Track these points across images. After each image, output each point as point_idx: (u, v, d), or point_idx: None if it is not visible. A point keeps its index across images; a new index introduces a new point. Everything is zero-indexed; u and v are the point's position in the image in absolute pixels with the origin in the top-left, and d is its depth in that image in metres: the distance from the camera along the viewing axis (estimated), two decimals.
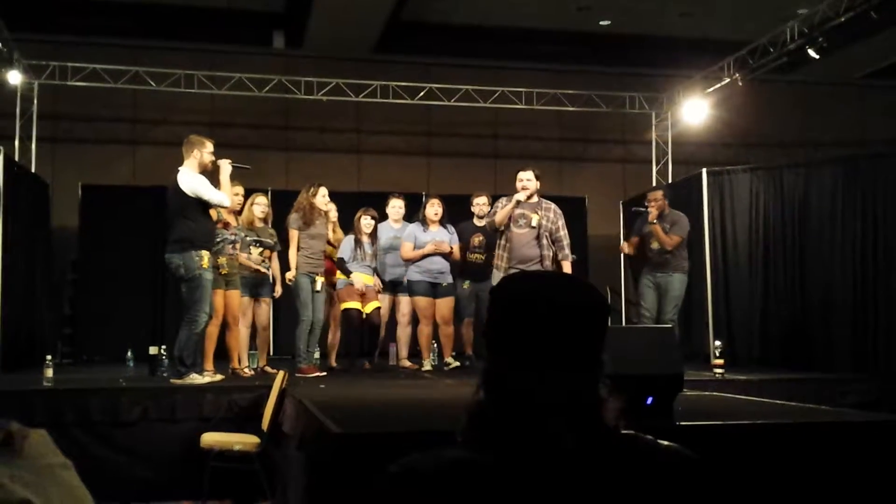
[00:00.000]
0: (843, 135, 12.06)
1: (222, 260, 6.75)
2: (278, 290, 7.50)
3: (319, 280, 7.24)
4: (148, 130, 11.05)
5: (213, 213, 6.50)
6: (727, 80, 10.11)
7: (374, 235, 7.61)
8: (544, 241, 6.74)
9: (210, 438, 5.63)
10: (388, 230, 7.85)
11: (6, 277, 7.96)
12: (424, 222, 7.74)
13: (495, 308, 1.38)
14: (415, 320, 7.91)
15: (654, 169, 11.68)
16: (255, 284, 7.29)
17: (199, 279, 6.18)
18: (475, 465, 1.27)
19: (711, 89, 10.50)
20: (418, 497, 1.26)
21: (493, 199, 8.18)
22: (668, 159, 11.62)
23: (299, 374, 6.76)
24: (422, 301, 7.61)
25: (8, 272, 8.02)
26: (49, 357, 6.56)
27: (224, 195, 6.34)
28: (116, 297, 9.92)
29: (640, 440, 1.35)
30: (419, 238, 7.65)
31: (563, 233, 6.94)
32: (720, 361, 7.16)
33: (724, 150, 11.90)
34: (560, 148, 12.19)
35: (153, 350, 7.25)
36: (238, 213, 7.23)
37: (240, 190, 7.19)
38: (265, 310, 7.47)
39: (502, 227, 6.81)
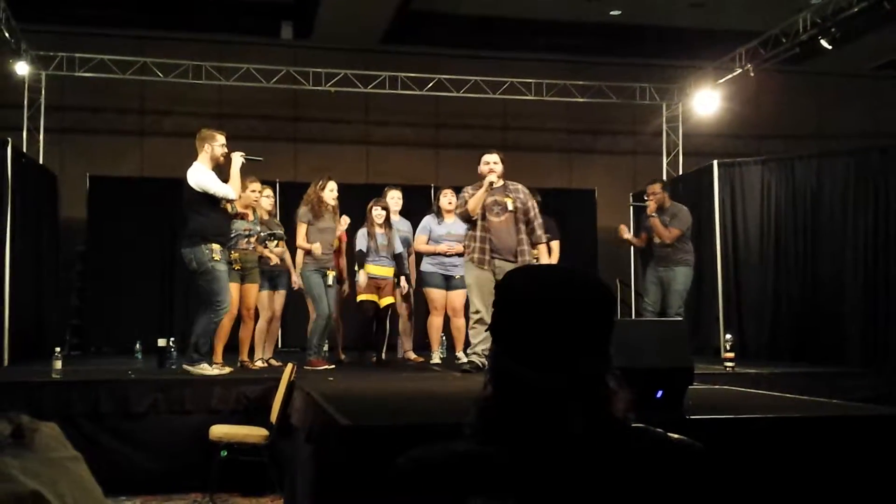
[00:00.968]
0: (855, 126, 11.98)
1: (235, 255, 6.74)
2: (295, 282, 7.47)
3: (331, 274, 7.22)
4: (156, 122, 11.05)
5: (228, 206, 6.51)
6: (739, 70, 10.04)
7: (387, 225, 7.58)
8: (521, 226, 6.37)
9: (219, 431, 5.63)
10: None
11: (14, 269, 7.97)
12: (439, 214, 7.71)
13: (502, 302, 1.38)
14: (422, 313, 7.89)
15: (665, 160, 11.62)
16: (273, 276, 7.30)
17: (213, 271, 6.22)
18: (484, 458, 1.28)
19: (723, 80, 10.43)
20: (426, 489, 1.27)
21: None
22: (678, 151, 11.56)
23: (308, 367, 6.75)
24: (434, 292, 7.59)
25: (16, 264, 8.02)
26: (58, 349, 6.58)
27: (229, 188, 6.35)
28: (125, 289, 9.94)
29: (649, 433, 1.35)
30: (434, 230, 7.63)
31: (535, 213, 6.47)
32: (731, 355, 7.13)
33: (735, 142, 11.84)
34: (570, 139, 12.14)
35: (162, 342, 7.25)
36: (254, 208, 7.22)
37: (257, 186, 7.22)
38: (279, 302, 7.46)
39: (475, 216, 6.32)
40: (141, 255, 10.10)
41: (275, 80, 10.39)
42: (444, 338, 7.98)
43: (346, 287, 7.85)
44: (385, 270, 7.51)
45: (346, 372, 6.75)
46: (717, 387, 5.41)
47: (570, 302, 1.32)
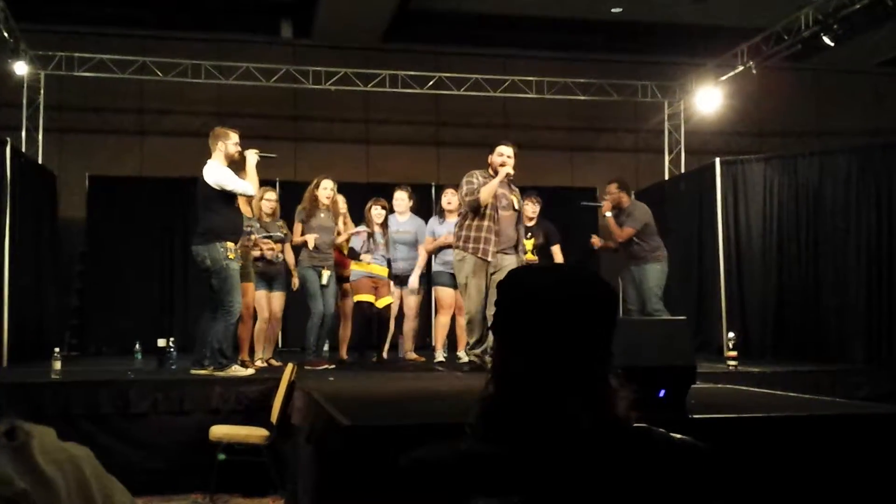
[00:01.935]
0: (857, 123, 11.94)
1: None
2: (295, 283, 7.47)
3: (326, 273, 7.19)
4: (155, 121, 11.03)
5: (243, 204, 6.54)
6: (741, 67, 10.01)
7: (385, 226, 7.57)
8: (520, 226, 6.45)
9: (219, 431, 5.62)
10: (393, 223, 7.79)
11: (14, 269, 7.95)
12: (442, 214, 7.72)
13: (504, 301, 1.39)
14: (426, 313, 7.87)
15: (667, 158, 11.59)
16: (270, 277, 7.28)
17: (227, 270, 6.20)
18: (487, 457, 1.28)
19: (725, 77, 10.40)
20: (429, 489, 1.27)
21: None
22: (680, 148, 11.53)
23: (308, 367, 6.73)
24: (443, 291, 7.65)
25: (15, 264, 8.01)
26: (57, 349, 6.56)
27: (248, 185, 6.36)
28: (124, 289, 9.93)
29: (652, 433, 1.36)
30: (437, 231, 7.65)
31: (523, 217, 6.69)
32: (733, 353, 7.11)
33: (737, 139, 11.81)
34: (571, 137, 12.11)
35: (161, 342, 7.23)
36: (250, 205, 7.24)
37: (273, 196, 7.36)
38: (278, 302, 7.45)
39: (484, 207, 6.21)
40: (140, 255, 10.09)
41: (274, 78, 10.37)
42: (445, 341, 7.97)
43: (347, 285, 7.78)
44: (381, 270, 7.49)
45: (347, 371, 6.73)
46: (719, 386, 5.39)
47: (573, 300, 1.33)
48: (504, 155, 6.33)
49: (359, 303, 7.40)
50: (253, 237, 7.00)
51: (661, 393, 3.50)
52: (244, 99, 10.75)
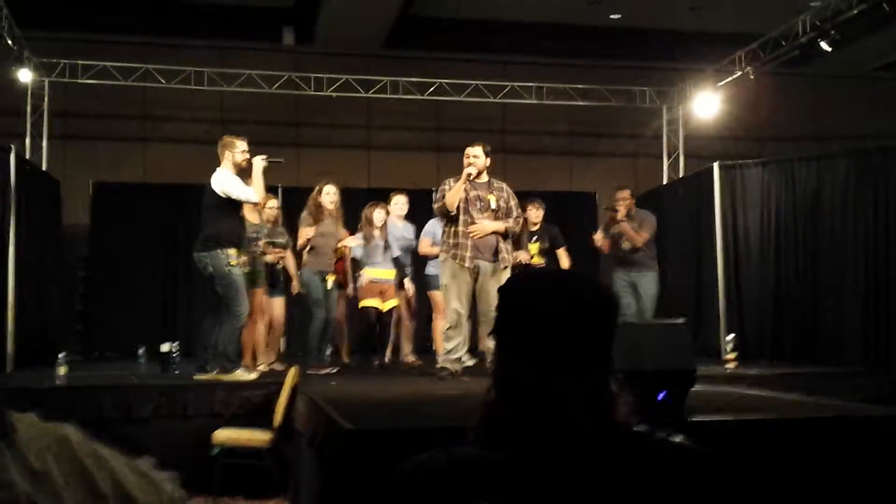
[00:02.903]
0: (854, 128, 11.98)
1: (244, 258, 6.78)
2: (295, 287, 7.52)
3: (330, 278, 7.24)
4: (158, 128, 11.08)
5: (248, 212, 6.60)
6: (738, 73, 10.06)
7: (384, 228, 7.58)
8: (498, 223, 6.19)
9: (222, 435, 5.65)
10: (392, 228, 7.81)
11: (18, 275, 8.00)
12: None
13: (504, 307, 1.39)
14: (423, 317, 7.88)
15: (665, 163, 11.64)
16: (271, 283, 7.32)
17: (230, 276, 6.25)
18: (488, 463, 1.28)
19: (723, 83, 10.45)
20: (430, 494, 1.26)
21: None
22: (679, 153, 11.57)
23: (311, 371, 6.76)
24: (439, 295, 7.58)
25: (20, 270, 8.05)
26: (61, 354, 6.60)
27: (251, 191, 6.40)
28: (128, 295, 9.98)
29: (652, 436, 1.36)
30: (436, 233, 7.63)
31: (517, 216, 6.33)
32: (732, 356, 7.14)
33: (735, 144, 11.85)
34: (570, 143, 12.16)
35: (165, 347, 7.27)
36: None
37: (274, 203, 7.44)
38: (278, 307, 7.49)
39: (453, 211, 6.09)
40: (144, 261, 10.14)
41: (276, 85, 10.42)
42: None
43: (349, 290, 7.79)
44: (386, 273, 7.50)
45: (349, 376, 6.77)
46: (719, 389, 5.42)
47: (574, 306, 1.34)
48: (470, 156, 6.15)
49: (365, 308, 7.42)
50: (261, 242, 7.06)
51: (661, 395, 3.55)
52: (246, 106, 10.80)
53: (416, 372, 7.31)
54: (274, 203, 7.52)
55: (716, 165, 9.44)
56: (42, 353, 8.35)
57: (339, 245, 7.45)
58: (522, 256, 7.42)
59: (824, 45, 8.89)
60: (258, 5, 11.13)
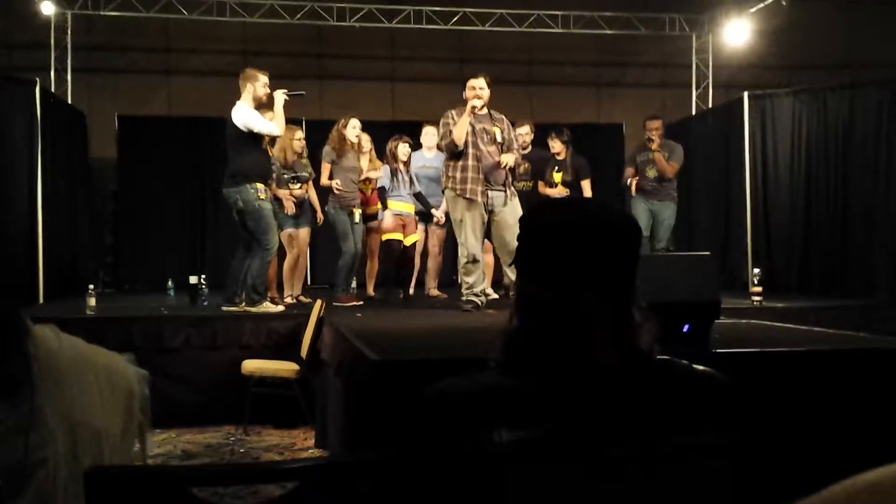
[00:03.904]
0: (889, 55, 11.66)
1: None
2: (320, 217, 7.55)
3: (357, 212, 7.26)
4: (181, 60, 11.01)
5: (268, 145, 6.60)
6: None
7: (408, 163, 7.57)
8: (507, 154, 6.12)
9: (251, 365, 5.75)
10: (420, 159, 7.77)
11: (47, 208, 8.08)
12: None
13: (528, 235, 1.39)
14: (451, 249, 7.87)
15: (694, 93, 11.45)
16: (295, 214, 7.34)
17: (260, 210, 6.30)
18: (510, 389, 1.29)
19: (754, 9, 10.19)
20: (453, 419, 1.28)
21: (535, 128, 8.02)
22: (708, 83, 11.37)
23: (337, 304, 6.82)
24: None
25: (48, 203, 8.13)
26: (91, 286, 6.69)
27: (273, 125, 6.40)
28: (157, 228, 10.08)
29: (674, 364, 1.37)
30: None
31: (517, 148, 6.44)
32: (758, 289, 7.11)
33: (766, 73, 11.59)
34: (597, 73, 11.95)
35: (193, 279, 7.36)
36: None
37: (300, 135, 7.40)
38: (304, 239, 7.53)
39: (460, 147, 5.91)
40: (171, 194, 10.20)
41: (299, 15, 10.30)
42: None
43: (374, 223, 7.79)
44: (408, 206, 7.52)
45: (375, 308, 6.82)
46: (744, 321, 5.41)
47: (596, 233, 1.34)
48: (476, 88, 6.01)
49: (388, 241, 7.47)
50: (272, 185, 7.02)
51: (686, 328, 3.54)
52: (269, 37, 10.69)
53: (441, 305, 7.35)
54: (300, 135, 7.50)
55: (746, 95, 9.27)
56: (73, 284, 8.48)
57: (362, 177, 7.44)
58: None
59: None
60: None
